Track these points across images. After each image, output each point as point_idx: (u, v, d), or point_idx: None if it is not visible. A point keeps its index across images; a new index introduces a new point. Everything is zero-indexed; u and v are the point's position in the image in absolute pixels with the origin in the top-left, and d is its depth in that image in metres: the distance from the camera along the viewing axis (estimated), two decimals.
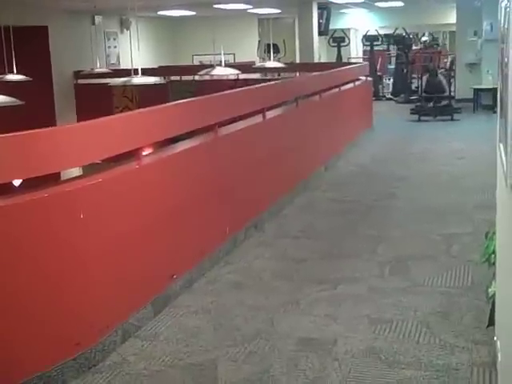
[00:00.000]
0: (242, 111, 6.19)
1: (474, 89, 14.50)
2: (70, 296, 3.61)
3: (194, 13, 14.30)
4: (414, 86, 16.85)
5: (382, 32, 18.74)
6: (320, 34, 14.47)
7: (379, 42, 18.57)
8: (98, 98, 11.58)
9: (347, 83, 10.68)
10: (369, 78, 12.80)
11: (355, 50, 21.44)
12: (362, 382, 3.39)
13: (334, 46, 18.18)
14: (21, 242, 3.36)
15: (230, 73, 9.41)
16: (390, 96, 17.73)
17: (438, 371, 3.43)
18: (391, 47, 19.45)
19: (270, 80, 10.68)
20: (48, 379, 3.41)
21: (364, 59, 18.93)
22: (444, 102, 13.62)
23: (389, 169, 8.91)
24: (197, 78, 11.29)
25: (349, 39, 18.86)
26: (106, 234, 3.84)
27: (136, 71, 6.19)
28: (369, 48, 18.76)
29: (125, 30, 14.37)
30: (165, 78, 11.29)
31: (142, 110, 4.67)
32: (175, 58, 16.34)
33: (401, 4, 15.92)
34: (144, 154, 4.43)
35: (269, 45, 11.19)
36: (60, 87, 12.33)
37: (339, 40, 18.13)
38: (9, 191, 3.53)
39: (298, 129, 7.68)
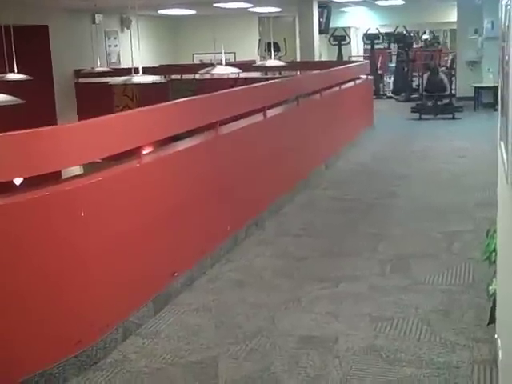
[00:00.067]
0: (242, 110, 6.19)
1: (475, 87, 14.50)
2: (71, 294, 3.62)
3: (194, 12, 14.29)
4: (414, 85, 16.83)
5: (382, 30, 18.73)
6: (320, 32, 14.46)
7: (380, 41, 18.55)
8: (99, 96, 11.58)
9: (348, 82, 10.68)
10: (369, 77, 12.80)
11: (356, 49, 21.43)
12: (362, 380, 3.39)
13: (334, 45, 18.18)
14: (21, 241, 3.37)
15: (231, 71, 9.41)
16: (390, 94, 17.71)
17: (439, 369, 3.44)
18: (392, 45, 19.43)
19: (270, 79, 10.67)
20: (49, 377, 3.42)
21: (365, 58, 18.91)
22: (445, 101, 13.60)
23: (389, 167, 8.91)
24: (197, 76, 11.29)
25: (349, 38, 18.85)
26: (107, 233, 3.85)
27: (136, 70, 6.20)
28: (369, 46, 18.75)
29: (125, 28, 14.36)
30: (165, 77, 11.29)
31: (142, 108, 4.67)
32: (176, 56, 16.33)
33: (401, 2, 15.91)
34: (144, 152, 4.43)
35: (269, 43, 11.19)
36: (61, 86, 12.33)
37: (340, 38, 18.11)
38: (10, 190, 3.53)
39: (298, 127, 7.69)
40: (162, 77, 8.41)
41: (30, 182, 3.55)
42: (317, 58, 13.92)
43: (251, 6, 13.52)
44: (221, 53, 8.54)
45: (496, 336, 3.46)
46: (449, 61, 18.39)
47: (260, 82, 8.18)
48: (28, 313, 3.39)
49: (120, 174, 4.10)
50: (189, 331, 4.02)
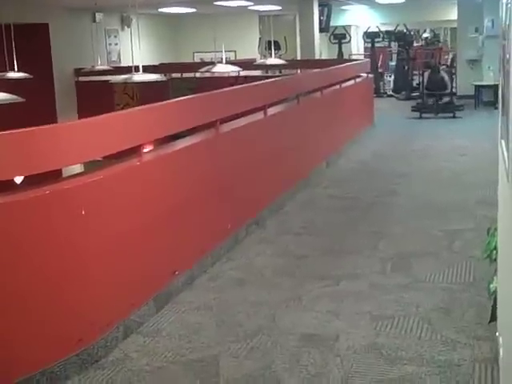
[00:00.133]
0: (243, 108, 6.19)
1: (475, 85, 14.49)
2: (71, 293, 3.61)
3: (194, 10, 14.29)
4: (415, 83, 16.83)
5: (383, 29, 18.72)
6: (321, 30, 14.46)
7: (380, 39, 18.55)
8: (99, 95, 11.58)
9: (348, 80, 10.67)
10: (370, 75, 12.78)
11: (356, 47, 21.43)
12: (363, 378, 3.39)
13: (335, 43, 18.18)
14: (22, 240, 3.36)
15: (231, 70, 9.40)
16: (391, 93, 17.71)
17: (440, 367, 3.44)
18: (392, 44, 19.43)
19: (271, 77, 10.67)
20: (51, 375, 3.42)
21: (365, 56, 18.91)
22: (446, 99, 13.58)
23: (390, 165, 8.91)
24: (198, 75, 11.28)
25: (350, 36, 18.84)
26: (107, 231, 3.85)
27: (137, 68, 6.19)
28: (370, 45, 18.74)
29: (126, 27, 14.36)
30: (166, 76, 11.29)
31: (142, 107, 4.67)
32: (176, 55, 16.32)
33: (402, 0, 15.91)
34: (145, 151, 4.43)
35: (270, 42, 11.19)
36: (61, 85, 12.32)
37: (340, 37, 18.11)
38: (10, 188, 3.53)
39: (299, 126, 7.68)
40: (163, 75, 8.41)
41: (31, 181, 3.54)
42: (317, 57, 13.92)
43: (252, 4, 13.52)
44: (221, 51, 8.53)
45: (497, 334, 3.45)
46: (449, 59, 18.38)
47: (260, 80, 8.18)
48: (28, 312, 3.39)
49: (120, 172, 4.10)
50: (190, 329, 4.03)
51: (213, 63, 8.35)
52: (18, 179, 4.04)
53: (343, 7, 18.12)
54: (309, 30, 13.79)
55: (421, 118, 13.08)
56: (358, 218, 6.34)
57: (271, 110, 6.78)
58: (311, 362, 3.56)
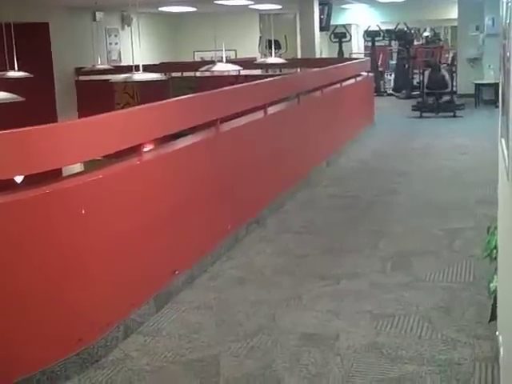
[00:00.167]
0: (243, 107, 6.19)
1: (476, 84, 14.48)
2: (71, 292, 3.61)
3: (194, 9, 14.28)
4: (415, 82, 16.82)
5: (383, 27, 18.71)
6: (321, 29, 14.45)
7: (380, 38, 18.54)
8: (100, 94, 11.58)
9: (348, 79, 10.67)
10: (370, 74, 12.78)
11: (356, 46, 21.42)
12: (364, 377, 3.39)
13: (335, 42, 18.17)
14: (22, 239, 3.36)
15: (232, 69, 9.39)
16: (391, 92, 17.70)
17: (441, 366, 3.43)
18: (393, 43, 19.42)
19: (271, 76, 10.67)
20: (51, 374, 3.42)
21: (365, 55, 18.90)
22: (446, 98, 13.56)
23: (390, 164, 8.90)
24: (198, 74, 11.27)
25: (350, 35, 18.83)
26: (107, 231, 3.85)
27: (137, 68, 6.19)
28: (370, 43, 18.74)
29: (126, 26, 14.35)
30: (166, 75, 11.28)
31: (142, 106, 4.67)
32: (176, 54, 16.31)
33: None
34: (145, 150, 4.43)
35: (270, 41, 11.19)
36: (61, 84, 12.32)
37: (340, 36, 18.10)
38: (10, 188, 3.53)
39: (299, 125, 7.68)
40: (163, 74, 8.40)
41: (31, 180, 3.54)
42: (317, 56, 13.91)
43: (252, 3, 13.51)
44: (221, 50, 8.52)
45: (497, 333, 3.45)
46: (450, 58, 18.38)
47: (261, 79, 8.17)
48: (28, 311, 3.38)
49: (120, 171, 4.10)
50: (190, 329, 4.02)
51: (213, 62, 8.34)
52: (19, 178, 4.04)
53: (343, 6, 18.11)
54: (309, 29, 13.79)
55: (421, 117, 13.06)
56: (358, 217, 6.34)
57: (271, 109, 6.78)
58: (311, 361, 3.56)
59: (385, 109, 14.26)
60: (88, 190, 3.74)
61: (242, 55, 15.30)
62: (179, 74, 12.46)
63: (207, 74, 10.58)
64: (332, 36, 18.08)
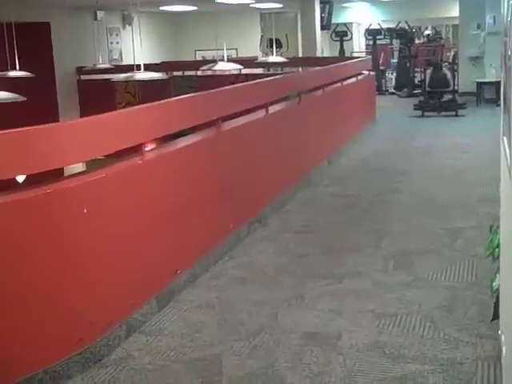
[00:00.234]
0: (244, 106, 6.19)
1: (477, 82, 14.47)
2: (73, 292, 3.61)
3: (195, 8, 14.26)
4: (416, 80, 16.81)
5: (384, 26, 18.69)
6: (322, 28, 14.43)
7: (382, 36, 18.51)
8: (101, 93, 11.58)
9: (350, 78, 10.67)
10: (371, 73, 12.77)
11: (358, 45, 21.41)
12: (366, 376, 3.39)
13: (336, 41, 18.15)
14: (24, 239, 3.36)
15: (233, 68, 9.39)
16: (392, 90, 17.69)
17: (443, 365, 3.43)
18: (394, 41, 19.41)
19: (272, 75, 10.66)
20: (53, 374, 3.43)
21: (367, 53, 18.89)
22: (448, 97, 13.51)
23: (392, 163, 8.89)
24: (199, 73, 11.27)
25: (351, 33, 18.82)
26: (109, 230, 3.85)
27: (138, 67, 6.19)
28: (371, 42, 18.72)
29: (127, 25, 14.34)
30: (167, 74, 11.28)
31: (144, 105, 4.67)
32: (177, 53, 16.30)
33: None
34: (147, 149, 4.43)
35: (271, 39, 11.17)
36: (63, 83, 12.32)
37: (342, 34, 18.09)
38: (12, 187, 3.53)
39: (300, 123, 7.68)
40: (164, 73, 8.40)
41: (33, 180, 3.54)
42: (319, 54, 13.90)
43: (253, 1, 13.49)
44: (223, 49, 8.52)
45: (500, 332, 3.45)
46: (451, 56, 18.35)
47: (262, 78, 8.17)
48: (29, 311, 3.38)
49: (122, 171, 4.10)
50: (192, 328, 4.03)
51: (214, 61, 8.34)
52: (20, 178, 4.04)
53: (344, 4, 18.10)
54: (310, 28, 13.78)
55: (423, 116, 13.03)
56: (359, 216, 6.34)
57: (272, 108, 6.78)
58: (314, 360, 3.56)
59: (386, 107, 14.25)
60: (90, 189, 3.74)
61: (243, 54, 15.29)
62: (180, 73, 12.46)
63: (208, 73, 10.58)
64: (333, 35, 18.07)
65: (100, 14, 13.45)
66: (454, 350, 3.59)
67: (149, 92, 9.99)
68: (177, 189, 4.65)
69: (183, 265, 4.63)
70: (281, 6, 14.72)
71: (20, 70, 8.23)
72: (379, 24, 18.76)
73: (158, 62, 13.15)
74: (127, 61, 12.87)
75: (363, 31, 19.90)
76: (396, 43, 19.44)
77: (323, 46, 15.41)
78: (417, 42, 20.54)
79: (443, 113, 12.99)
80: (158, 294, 4.29)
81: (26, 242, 3.37)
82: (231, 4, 13.26)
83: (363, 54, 18.97)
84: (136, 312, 4.04)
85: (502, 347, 3.22)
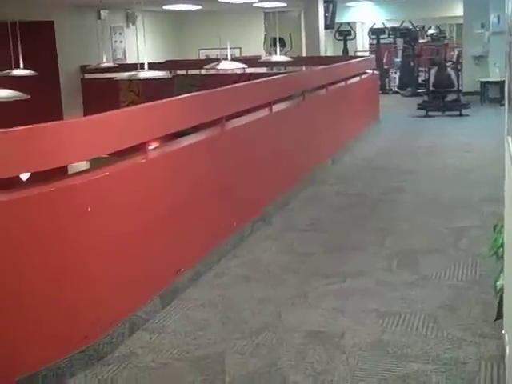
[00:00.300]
0: (248, 105, 6.19)
1: (481, 82, 14.44)
2: (77, 290, 3.62)
3: (199, 7, 14.27)
4: (420, 80, 16.79)
5: (388, 25, 18.67)
6: (326, 27, 14.43)
7: (385, 36, 18.49)
8: (105, 92, 11.58)
9: (353, 77, 10.66)
10: (375, 72, 12.76)
11: (361, 44, 21.38)
12: (369, 375, 3.38)
13: (340, 40, 18.14)
14: (28, 237, 3.37)
15: (236, 67, 9.39)
16: (396, 89, 17.67)
17: (446, 364, 3.43)
18: (398, 40, 19.37)
19: (276, 74, 10.66)
20: (57, 371, 3.43)
21: (370, 52, 18.87)
22: (452, 97, 13.48)
23: (396, 162, 8.89)
24: (203, 72, 11.27)
25: (355, 33, 18.80)
26: (112, 228, 3.85)
27: (142, 65, 6.19)
28: (375, 41, 18.69)
29: (131, 24, 14.36)
30: (171, 72, 11.28)
31: (147, 104, 4.67)
32: (181, 52, 16.32)
33: None
34: (150, 148, 4.43)
35: (275, 39, 11.17)
36: (66, 82, 12.34)
37: (345, 33, 18.07)
38: (16, 185, 3.54)
39: (304, 122, 7.67)
40: (168, 72, 8.40)
41: (37, 178, 3.55)
42: (322, 54, 13.89)
43: (257, 1, 13.49)
44: (226, 48, 8.52)
45: (503, 332, 3.45)
46: (455, 56, 18.32)
47: (265, 77, 8.17)
48: (33, 309, 3.38)
49: (126, 169, 4.10)
50: (195, 326, 4.03)
51: (218, 60, 8.34)
52: (24, 176, 4.05)
53: (348, 4, 18.09)
54: (314, 27, 13.77)
55: (427, 116, 13.00)
56: (363, 215, 6.34)
57: (276, 107, 6.78)
58: (317, 359, 3.56)
59: (390, 107, 14.23)
60: (94, 187, 3.75)
61: (246, 53, 15.29)
62: (184, 72, 12.46)
63: (212, 72, 10.58)
64: (337, 34, 18.06)
65: (104, 13, 13.46)
66: (457, 349, 3.58)
67: (152, 91, 9.99)
68: (180, 187, 4.65)
69: (186, 263, 4.64)
70: (284, 5, 14.72)
71: (24, 68, 8.24)
72: (383, 23, 18.73)
73: (161, 60, 13.16)
74: (131, 60, 12.88)
75: (367, 30, 19.89)
76: (400, 42, 19.38)
77: (327, 46, 15.39)
78: (421, 41, 20.51)
79: (447, 112, 12.96)
80: (162, 292, 4.30)
81: (30, 239, 3.37)
82: (235, 3, 13.27)
83: (367, 54, 18.94)
84: (139, 310, 4.04)
85: (505, 347, 3.22)
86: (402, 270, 4.82)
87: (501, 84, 12.76)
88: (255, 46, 16.06)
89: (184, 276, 4.59)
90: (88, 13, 13.11)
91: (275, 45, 10.76)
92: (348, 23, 18.67)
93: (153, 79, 6.68)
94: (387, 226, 5.91)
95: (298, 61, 12.36)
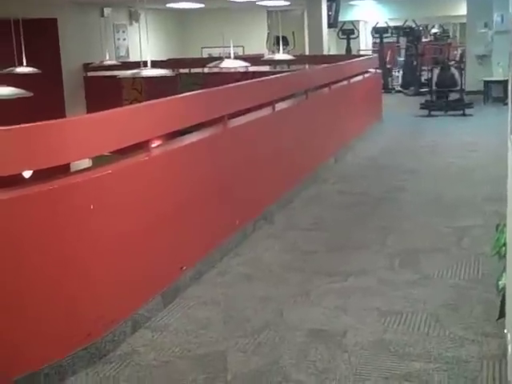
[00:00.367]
0: (251, 103, 6.19)
1: (485, 81, 14.43)
2: (80, 288, 3.62)
3: (202, 5, 14.27)
4: (423, 79, 16.77)
5: (391, 24, 18.65)
6: (329, 26, 14.43)
7: (389, 34, 18.47)
8: (108, 90, 11.59)
9: (356, 76, 10.65)
10: (378, 71, 12.74)
11: (364, 43, 21.38)
12: (371, 374, 3.38)
13: (343, 39, 18.13)
14: (31, 234, 3.37)
15: (239, 65, 9.40)
16: (399, 88, 17.65)
17: (448, 363, 3.42)
18: (401, 39, 19.35)
19: (279, 72, 10.66)
20: (59, 369, 3.43)
21: (373, 51, 18.85)
22: (455, 96, 13.44)
23: (398, 161, 8.88)
24: (206, 70, 11.28)
25: (358, 31, 18.79)
26: (115, 226, 3.85)
27: (145, 63, 6.19)
28: (378, 40, 18.68)
29: (134, 22, 14.37)
30: (173, 71, 11.27)
31: (150, 102, 4.67)
32: (184, 50, 16.33)
33: None
34: (153, 146, 4.43)
35: (278, 37, 11.17)
36: (69, 79, 12.35)
37: (348, 32, 18.06)
38: (18, 183, 3.54)
39: (307, 121, 7.67)
40: (171, 70, 8.39)
41: (40, 176, 3.55)
42: (325, 52, 13.89)
43: None
44: (229, 46, 8.52)
45: (505, 331, 3.44)
46: (458, 55, 18.31)
47: (268, 75, 8.17)
48: (36, 308, 3.39)
49: (128, 167, 4.10)
50: (197, 325, 4.03)
51: (221, 58, 8.34)
52: (27, 174, 4.05)
53: (351, 2, 18.08)
54: (317, 26, 13.77)
55: (429, 115, 12.97)
56: (366, 214, 6.33)
57: (279, 106, 6.77)
58: (319, 357, 3.56)
59: (393, 106, 14.22)
60: (96, 185, 3.75)
61: (249, 52, 15.29)
62: (187, 71, 12.46)
63: (215, 70, 10.58)
64: (340, 33, 18.05)
65: (107, 11, 13.47)
66: (459, 348, 3.58)
67: (155, 89, 10.01)
68: (183, 186, 4.65)
69: (189, 261, 4.64)
70: (288, 3, 14.72)
71: (27, 66, 8.25)
72: (386, 22, 18.72)
73: (164, 58, 13.17)
74: (134, 57, 12.89)
75: (370, 29, 19.86)
76: (403, 41, 19.38)
77: (330, 44, 15.39)
78: (424, 40, 20.49)
79: (450, 112, 12.94)
80: (164, 290, 4.30)
81: (30, 238, 3.37)
82: (238, 1, 13.27)
83: (370, 52, 18.93)
84: (141, 308, 4.04)
85: (507, 346, 3.21)
86: (405, 269, 4.82)
87: (504, 83, 12.76)
88: (258, 44, 16.06)
89: (186, 274, 4.59)
90: (91, 10, 13.12)
91: (278, 43, 10.77)
92: (351, 22, 18.66)
93: (156, 77, 6.69)
94: (389, 225, 5.91)
95: (300, 59, 12.38)
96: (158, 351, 3.72)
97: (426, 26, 23.48)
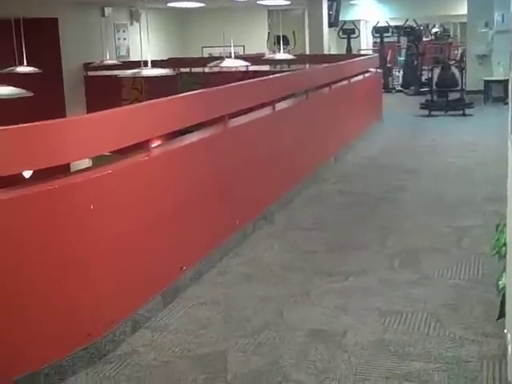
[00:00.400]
0: (251, 103, 6.19)
1: (485, 80, 14.42)
2: (80, 288, 3.62)
3: (203, 4, 14.27)
4: (424, 78, 16.77)
5: (392, 23, 18.64)
6: (330, 25, 14.42)
7: (389, 34, 18.46)
8: (108, 90, 11.59)
9: (357, 75, 10.64)
10: (378, 70, 12.74)
11: (365, 42, 21.39)
12: (371, 374, 3.38)
13: (343, 38, 18.12)
14: (31, 234, 3.37)
15: (240, 64, 9.40)
16: (399, 88, 17.65)
17: (448, 363, 3.43)
18: (401, 39, 19.35)
19: (279, 72, 10.66)
20: (59, 369, 3.43)
21: (374, 51, 18.85)
22: (456, 96, 13.42)
23: (399, 161, 8.88)
24: (206, 69, 11.28)
25: (359, 31, 18.79)
26: (114, 226, 3.85)
27: (146, 63, 6.19)
28: (379, 40, 18.67)
29: (134, 21, 14.37)
30: (174, 70, 11.28)
31: (150, 101, 4.67)
32: (184, 50, 16.33)
33: None
34: (153, 145, 4.43)
35: (278, 36, 11.17)
36: (70, 79, 12.35)
37: (349, 32, 18.05)
38: (18, 183, 3.54)
39: (307, 121, 7.67)
40: (171, 70, 8.40)
41: (40, 175, 3.55)
42: (326, 52, 13.89)
43: None
44: (230, 46, 8.52)
45: (505, 331, 3.44)
46: (459, 54, 18.30)
47: (269, 75, 8.17)
48: (37, 308, 3.39)
49: (128, 167, 4.10)
50: (197, 325, 4.03)
51: (221, 58, 8.34)
52: (27, 173, 4.05)
53: (352, 2, 18.08)
54: (317, 25, 13.77)
55: (430, 115, 12.97)
56: (366, 214, 6.33)
57: (280, 106, 6.77)
58: (319, 357, 3.56)
59: (393, 105, 14.22)
60: (96, 185, 3.75)
61: (250, 51, 15.30)
62: (187, 70, 12.46)
63: (215, 69, 10.58)
64: (340, 32, 18.04)
65: (107, 11, 13.47)
66: (459, 348, 3.58)
67: (156, 88, 10.00)
68: (183, 185, 4.65)
69: (189, 261, 4.64)
70: (288, 2, 14.72)
71: (27, 65, 8.24)
72: (387, 21, 18.71)
73: (165, 58, 13.17)
74: (134, 57, 12.89)
75: (371, 29, 19.86)
76: (403, 41, 19.37)
77: (330, 44, 15.39)
78: (424, 39, 20.47)
79: (450, 112, 12.92)
80: (164, 290, 4.30)
81: (30, 238, 3.37)
82: (239, 1, 13.27)
83: (370, 52, 18.92)
84: (141, 308, 4.04)
85: (507, 346, 3.21)
86: (405, 269, 4.82)
87: (504, 83, 12.75)
88: (259, 43, 16.06)
89: (186, 274, 4.59)
90: (92, 10, 13.12)
91: (279, 43, 10.77)
92: (352, 21, 18.66)
93: (156, 77, 6.68)
94: (390, 225, 5.91)
95: (301, 59, 12.38)
96: (157, 351, 3.72)
97: (427, 26, 23.46)
